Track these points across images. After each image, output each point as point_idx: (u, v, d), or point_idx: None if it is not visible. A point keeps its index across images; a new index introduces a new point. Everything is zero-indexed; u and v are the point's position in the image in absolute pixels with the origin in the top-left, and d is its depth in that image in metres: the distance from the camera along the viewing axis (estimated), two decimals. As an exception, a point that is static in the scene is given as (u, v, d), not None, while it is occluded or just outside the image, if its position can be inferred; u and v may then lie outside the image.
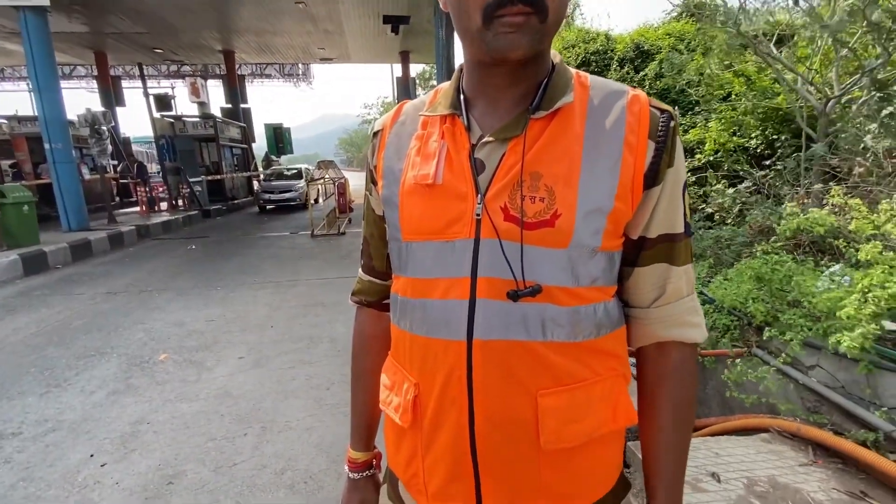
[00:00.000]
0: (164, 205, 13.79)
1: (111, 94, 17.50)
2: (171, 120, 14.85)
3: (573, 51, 7.08)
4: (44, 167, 11.07)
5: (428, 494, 0.67)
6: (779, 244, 3.10)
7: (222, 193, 15.91)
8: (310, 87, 27.57)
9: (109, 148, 10.58)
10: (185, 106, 17.91)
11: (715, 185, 4.51)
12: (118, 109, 17.83)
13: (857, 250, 2.40)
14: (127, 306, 5.19)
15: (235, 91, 19.46)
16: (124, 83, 20.91)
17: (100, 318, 4.80)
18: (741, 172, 4.53)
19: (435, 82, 19.69)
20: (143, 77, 14.90)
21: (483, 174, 0.60)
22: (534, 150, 0.59)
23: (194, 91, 17.53)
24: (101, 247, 8.58)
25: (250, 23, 14.59)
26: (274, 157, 22.41)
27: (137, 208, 12.88)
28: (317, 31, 15.47)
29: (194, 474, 2.38)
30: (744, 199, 4.19)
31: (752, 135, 4.82)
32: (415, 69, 23.03)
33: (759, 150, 4.81)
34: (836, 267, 2.67)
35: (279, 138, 22.38)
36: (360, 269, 0.85)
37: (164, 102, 15.49)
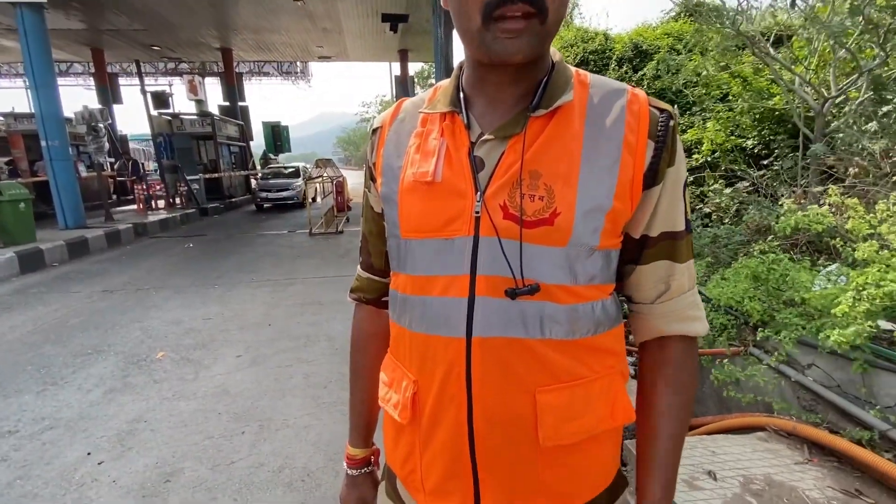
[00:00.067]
0: (161, 203, 13.74)
1: (108, 92, 17.43)
2: (169, 118, 14.80)
3: (572, 50, 7.09)
4: (40, 164, 11.01)
5: (425, 491, 0.68)
6: (775, 243, 3.11)
7: (220, 192, 15.87)
8: (308, 85, 27.52)
9: (106, 145, 10.53)
10: (182, 104, 17.87)
11: (712, 185, 4.52)
12: (115, 107, 17.79)
13: (854, 249, 2.41)
14: (124, 304, 5.17)
15: (233, 89, 19.41)
16: (121, 80, 20.84)
17: (97, 316, 4.79)
18: (738, 172, 4.55)
19: (433, 81, 19.66)
20: (140, 74, 14.85)
21: (482, 172, 0.61)
22: (533, 148, 0.59)
23: (192, 89, 17.46)
24: (97, 245, 8.55)
25: (248, 20, 14.54)
26: (272, 156, 22.36)
27: (134, 206, 12.85)
28: (315, 29, 15.43)
29: (192, 472, 2.37)
30: (741, 198, 4.21)
31: (750, 135, 4.83)
32: (413, 68, 23.03)
33: (756, 151, 4.83)
34: (833, 266, 2.68)
35: (277, 136, 22.33)
36: (358, 267, 0.85)
37: (161, 100, 15.44)
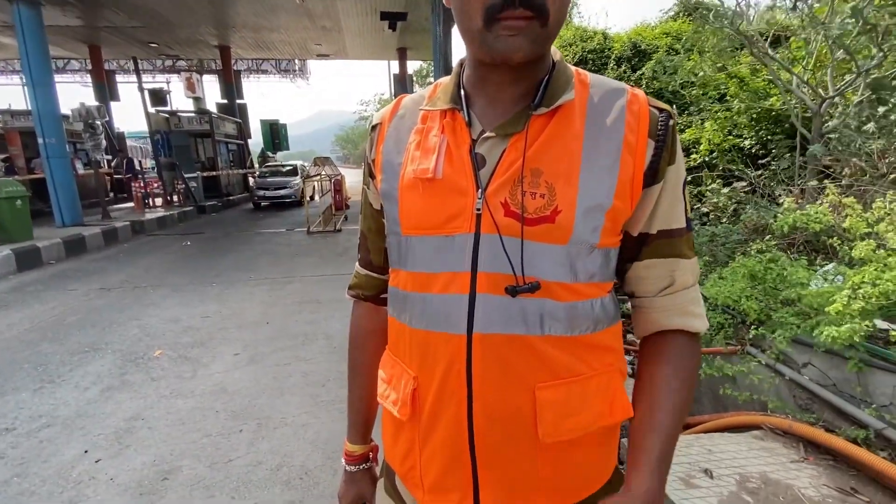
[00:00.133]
0: (158, 201, 13.70)
1: (105, 89, 17.34)
2: (167, 115, 14.73)
3: (570, 49, 7.09)
4: (37, 162, 10.96)
5: (425, 487, 0.68)
6: (773, 243, 3.12)
7: (218, 189, 15.82)
8: (306, 83, 27.45)
9: (103, 143, 10.49)
10: (180, 101, 17.87)
11: (710, 184, 4.54)
12: (112, 104, 17.70)
13: (851, 248, 2.42)
14: (121, 302, 5.16)
15: (231, 86, 19.33)
16: (119, 77, 20.71)
17: (94, 314, 4.78)
18: (736, 172, 4.56)
19: (432, 79, 19.64)
20: (137, 71, 14.75)
21: (483, 169, 0.61)
22: (535, 146, 0.59)
23: (190, 86, 17.41)
24: (95, 242, 8.52)
25: (247, 18, 14.49)
26: (270, 154, 22.31)
27: (132, 204, 12.81)
28: (314, 27, 15.39)
29: (189, 470, 2.37)
30: (739, 198, 4.22)
31: (747, 135, 4.85)
32: (412, 66, 22.95)
33: (753, 151, 4.85)
34: (830, 266, 2.69)
35: (275, 134, 22.28)
36: (357, 264, 0.85)
37: (159, 97, 15.36)
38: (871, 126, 3.34)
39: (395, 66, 18.69)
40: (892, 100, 3.30)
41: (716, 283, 3.03)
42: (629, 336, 3.43)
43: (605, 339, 0.65)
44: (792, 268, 2.68)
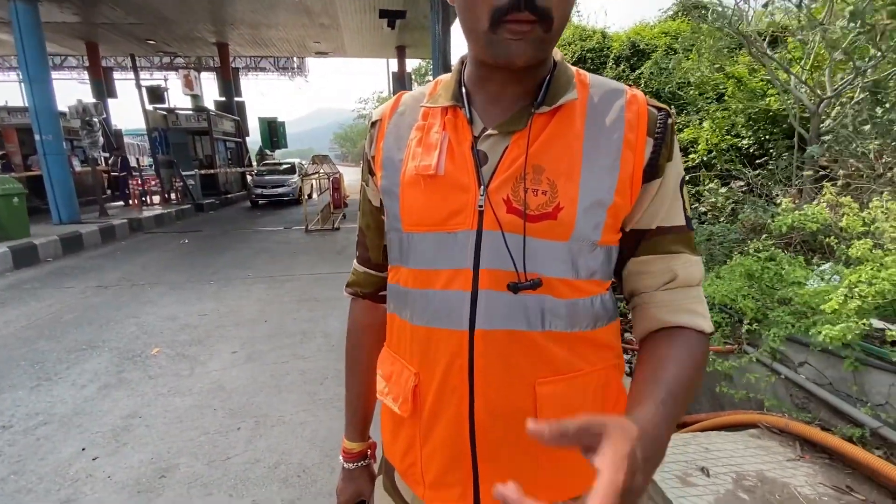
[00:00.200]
0: (156, 198, 13.66)
1: (103, 86, 17.25)
2: (164, 112, 14.70)
3: (569, 48, 7.08)
4: (34, 159, 10.92)
5: (425, 484, 0.68)
6: (770, 242, 3.13)
7: (216, 187, 15.80)
8: (305, 81, 27.42)
9: (101, 140, 10.45)
10: (178, 98, 17.77)
11: (708, 184, 4.54)
12: (110, 101, 17.58)
13: (848, 248, 2.43)
14: (119, 300, 5.15)
15: (229, 84, 19.26)
16: (116, 74, 20.60)
17: (91, 311, 4.77)
18: (734, 172, 4.57)
19: (431, 77, 19.62)
20: (135, 68, 14.71)
21: (485, 166, 0.61)
22: (537, 144, 0.60)
23: (187, 83, 17.34)
24: (92, 240, 8.50)
25: (245, 15, 14.43)
26: (268, 151, 22.26)
27: (130, 201, 12.77)
28: (312, 24, 15.34)
29: (187, 468, 2.37)
30: (736, 198, 4.23)
31: (745, 135, 4.86)
32: (411, 64, 22.98)
33: (751, 150, 4.86)
34: (826, 266, 2.70)
35: (273, 132, 22.22)
36: (355, 261, 0.85)
37: (156, 95, 15.32)
38: (868, 126, 3.35)
39: (393, 64, 18.64)
40: (890, 100, 3.31)
41: (713, 282, 3.04)
42: (626, 335, 3.44)
43: (605, 336, 0.65)
44: (790, 266, 2.69)
